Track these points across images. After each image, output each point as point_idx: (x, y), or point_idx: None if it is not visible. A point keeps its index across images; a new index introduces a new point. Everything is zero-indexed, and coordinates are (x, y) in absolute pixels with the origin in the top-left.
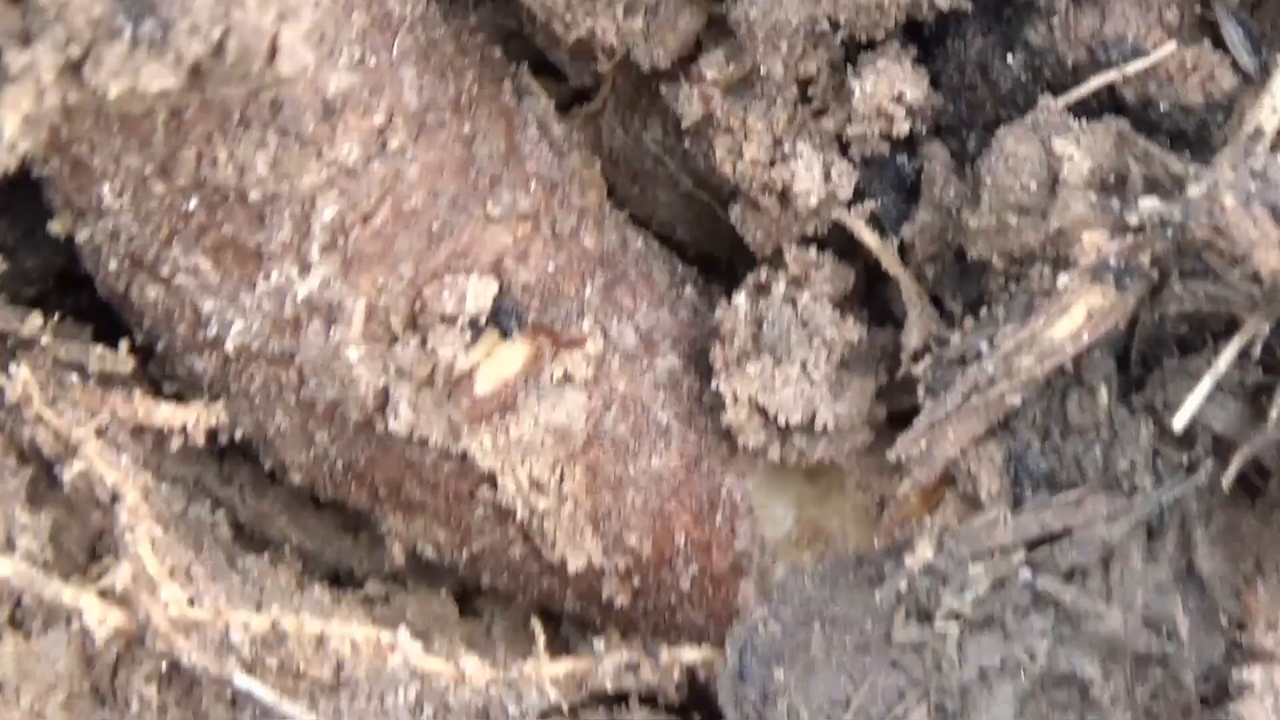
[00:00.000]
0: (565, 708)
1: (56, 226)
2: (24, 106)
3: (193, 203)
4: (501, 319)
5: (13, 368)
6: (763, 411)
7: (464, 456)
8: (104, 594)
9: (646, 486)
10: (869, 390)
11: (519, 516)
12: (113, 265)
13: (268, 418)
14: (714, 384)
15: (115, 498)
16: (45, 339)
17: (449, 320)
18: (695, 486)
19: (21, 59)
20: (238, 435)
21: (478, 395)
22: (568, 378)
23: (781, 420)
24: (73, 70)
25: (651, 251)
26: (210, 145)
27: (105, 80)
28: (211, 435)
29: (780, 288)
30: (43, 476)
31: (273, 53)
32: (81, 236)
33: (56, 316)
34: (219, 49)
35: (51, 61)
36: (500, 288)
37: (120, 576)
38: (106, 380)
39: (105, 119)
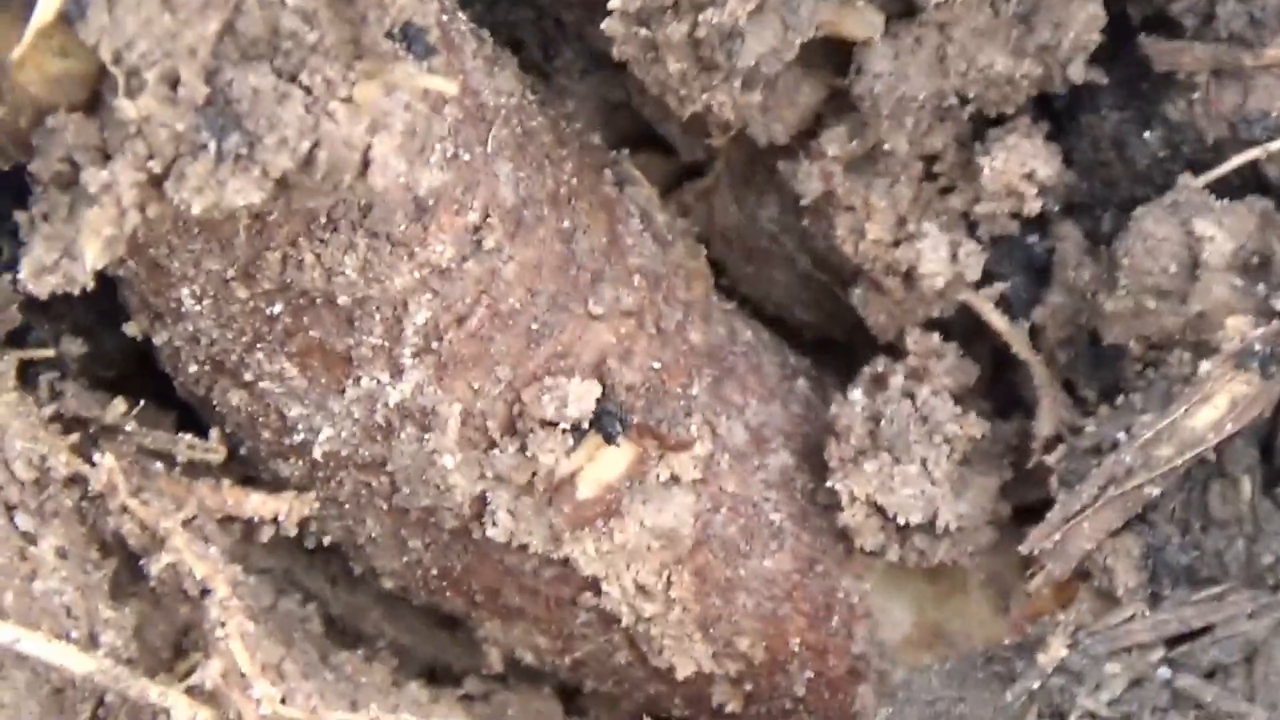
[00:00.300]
0: None
1: (133, 328)
2: (105, 230)
3: (278, 307)
4: (604, 422)
5: (96, 456)
6: (881, 511)
7: (566, 562)
8: (192, 691)
9: (758, 589)
10: (993, 488)
11: (624, 623)
12: (192, 369)
13: (358, 524)
14: (829, 482)
15: (205, 591)
16: (129, 426)
17: (549, 425)
18: (810, 589)
19: (101, 177)
20: (326, 541)
21: (580, 500)
22: (674, 479)
23: (901, 521)
24: (153, 185)
25: (762, 343)
26: (296, 248)
27: (189, 197)
28: (301, 527)
29: (899, 380)
30: (126, 569)
31: (364, 165)
32: (159, 339)
33: (139, 401)
34: (308, 162)
35: (132, 179)
36: (603, 390)
37: (210, 673)
38: (192, 469)
39: (185, 223)
